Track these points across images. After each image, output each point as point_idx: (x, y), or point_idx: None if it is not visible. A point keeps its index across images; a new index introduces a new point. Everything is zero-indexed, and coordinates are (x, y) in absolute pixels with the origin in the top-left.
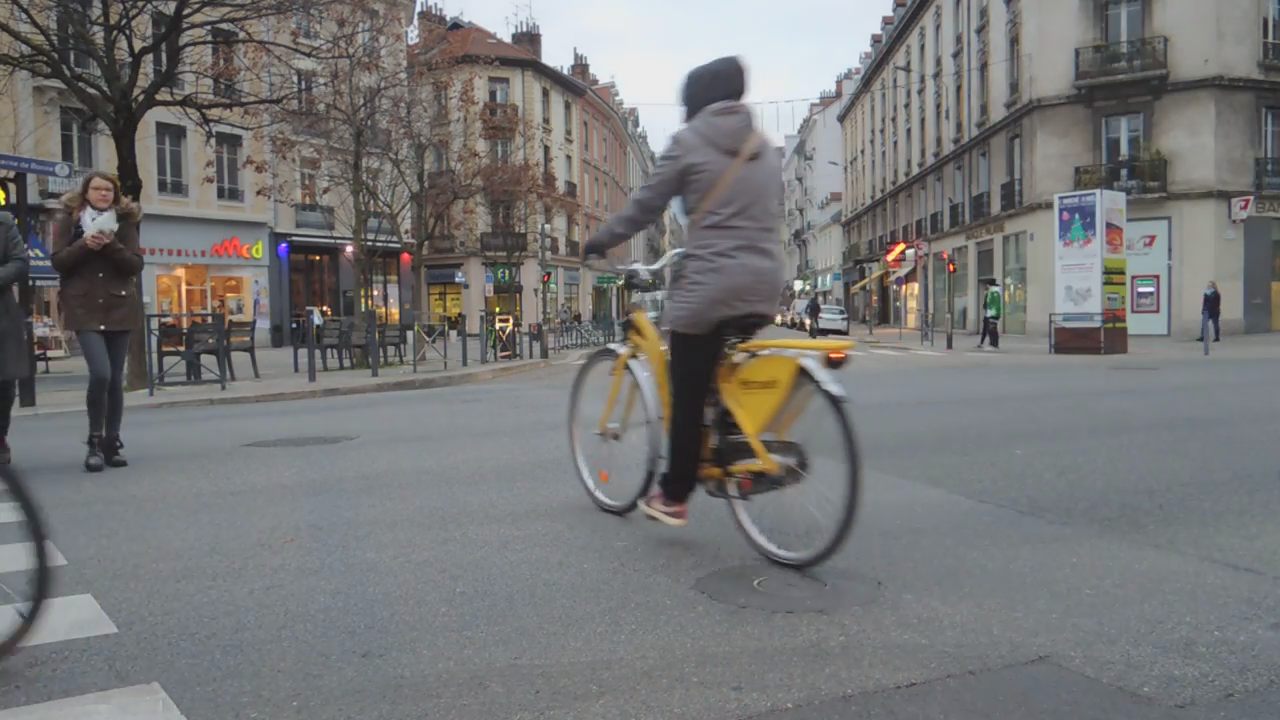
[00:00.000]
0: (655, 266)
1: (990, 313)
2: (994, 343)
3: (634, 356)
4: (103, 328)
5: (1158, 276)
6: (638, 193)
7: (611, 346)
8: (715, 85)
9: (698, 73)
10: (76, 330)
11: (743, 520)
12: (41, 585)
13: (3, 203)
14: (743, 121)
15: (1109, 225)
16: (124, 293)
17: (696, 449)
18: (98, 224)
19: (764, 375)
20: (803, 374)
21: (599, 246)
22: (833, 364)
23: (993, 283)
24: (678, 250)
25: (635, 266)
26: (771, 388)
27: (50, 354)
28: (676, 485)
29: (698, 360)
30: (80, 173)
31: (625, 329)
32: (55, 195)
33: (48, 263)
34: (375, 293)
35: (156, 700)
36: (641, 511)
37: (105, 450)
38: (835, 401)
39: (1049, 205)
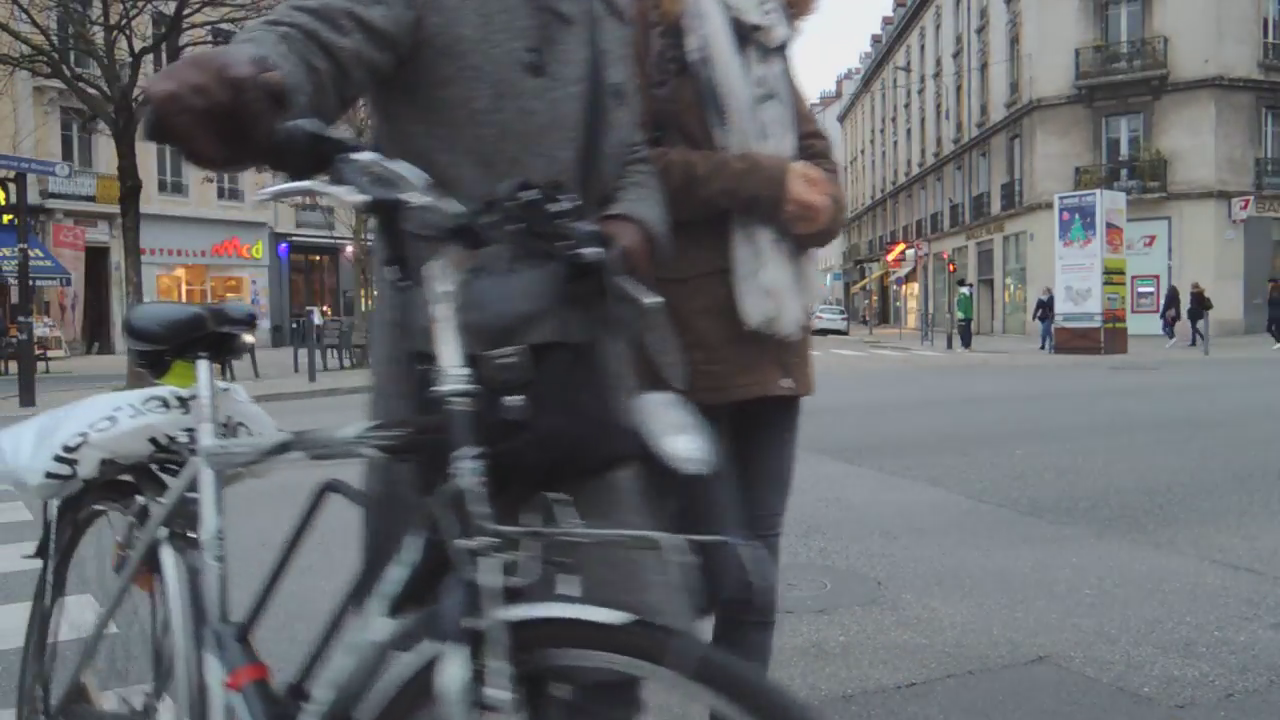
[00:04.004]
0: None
1: (960, 315)
2: (965, 343)
3: None
4: (786, 382)
5: (1158, 277)
6: None
7: None
8: None
9: None
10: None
11: None
12: None
13: (2, 202)
14: None
15: (1109, 225)
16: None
17: None
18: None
19: None
20: None
21: None
22: None
23: (962, 283)
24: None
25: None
26: None
27: (50, 354)
28: None
29: None
30: (81, 173)
31: None
32: (56, 195)
33: (49, 262)
34: (375, 293)
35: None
36: None
37: None
38: None
39: (1049, 205)
